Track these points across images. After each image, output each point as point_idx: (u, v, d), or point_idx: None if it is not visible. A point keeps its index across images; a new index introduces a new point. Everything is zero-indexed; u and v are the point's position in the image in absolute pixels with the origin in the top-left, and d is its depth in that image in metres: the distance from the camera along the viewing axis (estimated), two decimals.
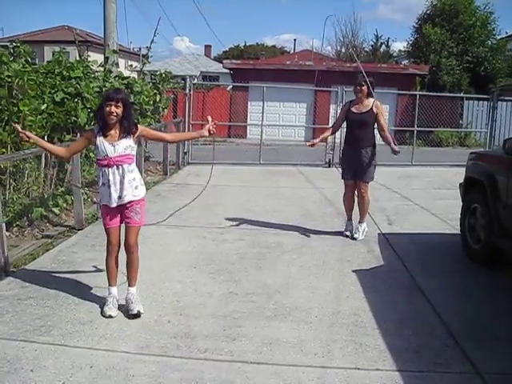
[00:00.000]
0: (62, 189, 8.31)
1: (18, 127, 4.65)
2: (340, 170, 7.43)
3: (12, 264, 5.57)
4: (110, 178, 4.36)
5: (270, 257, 6.14)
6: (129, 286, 4.59)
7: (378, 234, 7.18)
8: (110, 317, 4.38)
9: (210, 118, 4.67)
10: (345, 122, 7.18)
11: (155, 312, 4.51)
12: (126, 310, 4.48)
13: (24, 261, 5.84)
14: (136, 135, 4.45)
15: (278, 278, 5.44)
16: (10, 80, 7.54)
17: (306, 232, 7.23)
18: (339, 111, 7.68)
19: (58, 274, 5.33)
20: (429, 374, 3.64)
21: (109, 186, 4.37)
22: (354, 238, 6.97)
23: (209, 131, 4.58)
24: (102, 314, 4.42)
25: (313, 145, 7.02)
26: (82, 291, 4.89)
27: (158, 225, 6.18)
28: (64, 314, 4.43)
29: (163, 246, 6.44)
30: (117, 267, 4.62)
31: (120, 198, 4.39)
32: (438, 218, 8.22)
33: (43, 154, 7.97)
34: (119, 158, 4.35)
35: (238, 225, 7.53)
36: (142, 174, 9.65)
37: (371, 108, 6.86)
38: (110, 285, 4.59)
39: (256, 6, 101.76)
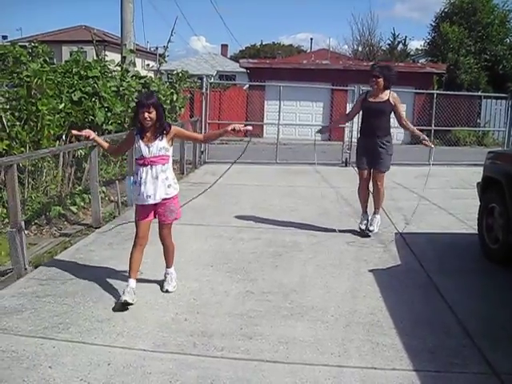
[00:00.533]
0: (80, 187, 8.38)
1: (76, 132, 5.09)
2: (356, 169, 7.39)
3: (31, 262, 5.62)
4: (143, 176, 4.65)
5: (287, 256, 6.14)
6: (166, 266, 5.07)
7: (395, 233, 7.15)
8: (126, 302, 4.49)
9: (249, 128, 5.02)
10: (361, 113, 7.19)
11: (172, 310, 4.54)
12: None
13: (42, 259, 5.91)
14: (169, 137, 4.69)
15: (295, 277, 5.44)
16: (28, 80, 7.64)
17: (322, 231, 7.21)
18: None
19: (75, 272, 5.37)
20: (445, 374, 3.62)
21: (140, 184, 4.66)
22: (370, 231, 6.97)
23: (234, 129, 4.75)
24: (119, 300, 4.58)
25: (320, 132, 7.17)
26: (99, 289, 4.93)
27: (173, 223, 6.20)
28: (82, 311, 4.47)
29: (180, 244, 6.43)
30: (140, 261, 4.80)
31: (150, 196, 4.66)
32: (455, 217, 8.16)
33: (61, 153, 8.04)
34: (153, 158, 4.64)
35: (254, 224, 7.53)
36: None
37: (388, 98, 6.80)
38: (129, 276, 4.73)
39: (272, 5, 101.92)
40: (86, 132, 4.90)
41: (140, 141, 4.65)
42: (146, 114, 4.51)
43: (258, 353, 3.86)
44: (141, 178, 4.66)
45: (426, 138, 6.93)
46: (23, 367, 3.56)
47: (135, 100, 10.21)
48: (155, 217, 4.83)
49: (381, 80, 6.72)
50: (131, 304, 4.51)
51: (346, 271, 5.67)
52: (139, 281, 4.82)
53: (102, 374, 3.50)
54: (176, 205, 4.87)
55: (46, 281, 5.15)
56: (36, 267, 5.57)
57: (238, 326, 4.27)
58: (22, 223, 5.50)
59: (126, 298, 4.50)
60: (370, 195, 7.15)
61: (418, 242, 6.77)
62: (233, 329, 4.23)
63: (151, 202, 4.68)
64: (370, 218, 7.09)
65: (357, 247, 6.55)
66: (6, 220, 6.70)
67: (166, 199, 4.74)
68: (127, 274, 4.77)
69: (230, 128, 4.76)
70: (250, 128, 5.01)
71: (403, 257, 6.19)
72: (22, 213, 6.11)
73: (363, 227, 7.05)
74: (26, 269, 5.38)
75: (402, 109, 7.09)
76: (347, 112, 7.75)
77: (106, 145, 5.12)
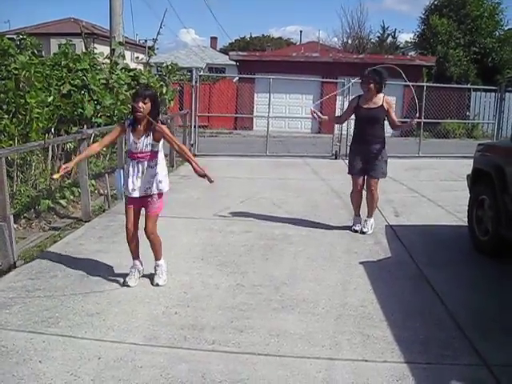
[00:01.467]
0: (69, 181, 8.33)
1: (57, 176, 4.89)
2: (346, 161, 7.38)
3: (20, 256, 5.59)
4: (130, 169, 4.70)
5: (277, 249, 6.14)
6: (155, 259, 5.02)
7: (386, 225, 7.17)
8: (128, 286, 4.81)
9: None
10: (353, 117, 7.02)
11: (163, 303, 4.52)
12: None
13: (32, 253, 5.87)
14: (156, 134, 4.65)
15: (285, 270, 5.44)
16: (16, 72, 7.57)
17: (312, 224, 7.21)
18: (346, 104, 7.52)
19: (65, 266, 5.34)
20: (436, 366, 3.63)
21: (128, 176, 4.72)
22: (364, 233, 6.82)
23: (201, 174, 4.84)
24: (124, 283, 4.86)
25: (315, 114, 7.10)
26: (89, 283, 4.91)
27: (164, 216, 6.17)
28: (72, 305, 4.44)
29: (170, 237, 6.42)
30: (137, 244, 4.98)
31: (135, 190, 4.72)
32: (445, 209, 8.19)
33: (50, 147, 7.99)
34: (140, 154, 4.67)
35: (244, 216, 7.52)
36: None
37: (381, 104, 6.64)
38: (132, 258, 4.99)
39: None
40: (63, 168, 4.66)
41: (130, 134, 4.66)
42: (140, 104, 4.50)
43: (249, 346, 3.85)
44: (128, 172, 4.72)
45: (410, 120, 6.99)
46: (13, 362, 3.53)
47: (124, 93, 10.19)
48: (141, 206, 4.89)
49: (373, 85, 6.58)
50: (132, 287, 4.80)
51: (337, 264, 5.68)
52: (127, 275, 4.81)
53: (92, 368, 3.48)
54: (160, 199, 4.90)
55: (35, 275, 5.11)
56: (25, 261, 5.53)
57: (228, 319, 4.26)
58: (11, 217, 5.46)
59: (129, 282, 4.86)
60: (364, 198, 7.07)
61: (408, 234, 6.80)
62: (224, 322, 4.22)
63: (135, 195, 4.74)
64: (363, 221, 6.99)
65: (347, 240, 6.56)
66: None
67: (153, 194, 4.79)
68: (117, 267, 4.80)
69: (199, 170, 4.83)
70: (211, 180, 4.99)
71: (394, 249, 6.20)
72: (11, 206, 6.07)
73: (357, 229, 6.93)
74: (15, 263, 5.34)
75: (395, 113, 6.98)
76: (338, 114, 7.58)
77: (88, 153, 5.27)
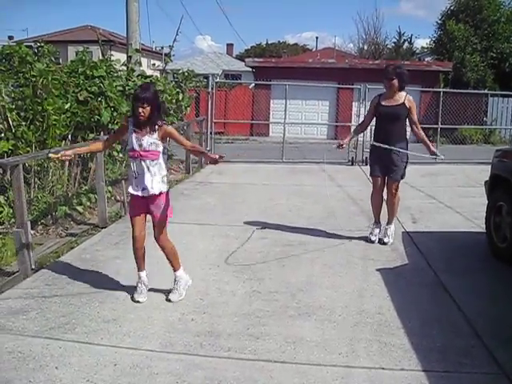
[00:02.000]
0: (86, 187, 8.38)
1: (53, 156, 4.98)
2: (362, 167, 7.30)
3: (37, 262, 5.62)
4: (135, 169, 4.61)
5: (293, 255, 6.11)
6: (173, 271, 4.87)
7: (403, 232, 7.11)
8: (138, 302, 4.64)
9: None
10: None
11: (179, 310, 4.52)
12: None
13: (48, 259, 5.90)
14: (161, 134, 4.57)
15: (302, 277, 5.41)
16: (34, 79, 7.63)
17: (329, 230, 7.17)
18: (368, 106, 7.03)
19: (81, 272, 5.36)
20: (454, 375, 3.59)
21: (133, 177, 4.64)
22: (384, 243, 6.57)
23: (215, 160, 4.60)
24: (132, 299, 4.70)
25: (341, 146, 6.66)
26: (105, 289, 4.92)
27: (180, 223, 6.19)
28: (88, 311, 4.45)
29: (186, 243, 6.43)
30: (143, 254, 4.81)
31: (142, 189, 4.60)
32: (462, 216, 8.11)
33: None
34: (143, 152, 4.53)
35: (261, 223, 7.49)
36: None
37: (403, 102, 6.38)
38: (138, 270, 4.83)
39: (278, 4, 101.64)
40: (62, 155, 4.85)
41: (133, 133, 4.56)
42: (140, 109, 4.42)
43: (266, 353, 3.84)
44: (134, 171, 4.63)
45: (435, 150, 6.61)
46: (30, 368, 3.55)
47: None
48: (147, 213, 4.73)
49: (395, 81, 6.31)
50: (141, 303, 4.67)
51: (354, 270, 5.64)
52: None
53: (108, 375, 3.49)
54: (165, 202, 4.70)
55: (52, 281, 5.14)
56: (42, 267, 5.56)
57: (244, 326, 4.25)
58: (28, 223, 5.50)
59: (138, 298, 4.71)
60: (384, 203, 6.81)
61: (425, 240, 6.74)
62: (240, 329, 4.21)
63: (142, 194, 4.60)
64: (383, 229, 6.72)
65: (364, 246, 6.52)
66: (13, 220, 6.71)
67: (154, 195, 4.61)
68: (133, 274, 4.78)
69: (212, 156, 4.67)
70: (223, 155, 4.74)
71: (411, 256, 6.15)
72: (29, 213, 6.11)
73: (374, 238, 6.65)
74: (32, 269, 5.37)
75: (416, 114, 6.59)
76: (354, 123, 7.27)
77: (90, 148, 5.29)
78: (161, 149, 4.64)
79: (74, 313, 4.41)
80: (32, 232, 6.02)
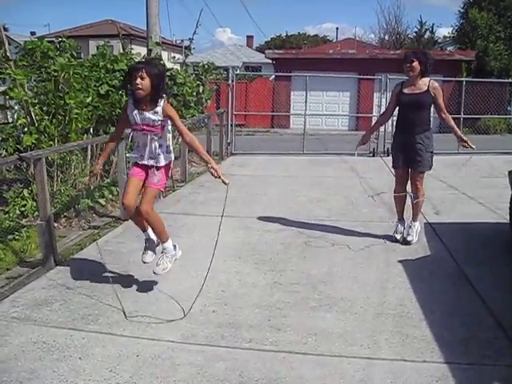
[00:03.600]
0: (108, 180, 8.44)
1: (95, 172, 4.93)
2: (384, 158, 7.19)
3: (60, 254, 5.68)
4: (138, 140, 4.51)
5: (315, 247, 6.10)
6: (160, 243, 4.70)
7: (425, 223, 7.05)
8: (145, 262, 4.64)
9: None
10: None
11: (200, 301, 4.52)
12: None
13: (72, 251, 5.96)
14: (164, 113, 4.32)
15: (323, 268, 5.40)
16: (56, 74, 7.70)
17: (350, 222, 7.15)
18: (384, 101, 6.80)
19: (104, 264, 5.40)
20: (477, 367, 3.55)
21: (137, 146, 4.54)
22: (408, 242, 6.19)
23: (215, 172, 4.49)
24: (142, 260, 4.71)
25: (364, 143, 6.56)
26: (127, 281, 4.96)
27: (201, 215, 6.21)
28: (110, 303, 4.49)
29: (208, 235, 6.44)
30: (139, 216, 4.57)
31: (143, 157, 4.47)
32: (485, 207, 8.02)
33: (89, 146, 8.11)
34: (145, 126, 4.35)
35: (282, 215, 7.49)
36: (186, 165, 9.78)
37: (427, 88, 5.95)
38: (142, 231, 4.80)
39: None
40: (92, 175, 4.97)
41: (134, 109, 4.35)
42: (138, 80, 4.14)
43: (287, 344, 3.84)
44: (137, 142, 4.54)
45: (466, 139, 6.18)
46: (54, 358, 3.59)
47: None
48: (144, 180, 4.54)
49: (416, 64, 5.87)
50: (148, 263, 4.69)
51: (375, 262, 5.62)
52: (167, 273, 4.80)
53: (130, 366, 3.52)
54: (162, 173, 4.51)
55: (75, 273, 5.20)
56: (65, 259, 5.63)
57: (266, 318, 4.26)
58: (52, 216, 5.56)
59: (145, 259, 4.70)
60: (408, 199, 6.43)
61: (447, 232, 6.68)
62: (261, 320, 4.22)
63: (142, 161, 4.47)
64: (407, 227, 6.36)
65: (386, 237, 6.47)
66: (36, 213, 6.79)
67: (153, 166, 4.46)
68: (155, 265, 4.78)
69: (214, 166, 4.49)
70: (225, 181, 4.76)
71: (433, 247, 6.10)
72: (52, 206, 6.17)
73: (398, 237, 6.31)
74: (55, 261, 5.43)
75: (441, 100, 6.10)
76: (382, 112, 6.75)
77: (109, 149, 4.94)
78: (166, 124, 4.44)
79: (96, 304, 4.46)
80: (55, 225, 6.09)
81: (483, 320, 4.23)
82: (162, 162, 4.48)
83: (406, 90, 6.08)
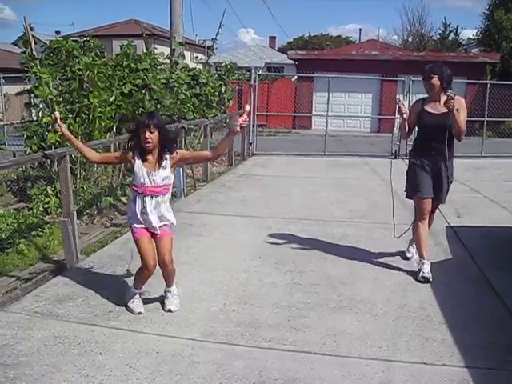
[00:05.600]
0: (130, 178, 8.50)
1: (57, 116, 4.58)
2: (406, 160, 6.91)
3: (82, 251, 5.75)
4: (142, 205, 4.21)
5: (335, 248, 6.09)
6: (166, 286, 4.47)
7: (446, 226, 7.00)
8: (140, 313, 4.30)
9: (247, 108, 4.40)
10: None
11: (220, 301, 4.56)
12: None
13: (93, 248, 6.02)
14: (173, 162, 4.25)
15: (343, 270, 5.39)
16: (80, 73, 7.78)
17: (371, 224, 7.12)
18: (409, 108, 5.57)
19: (125, 261, 5.45)
20: (498, 372, 3.53)
21: (139, 213, 4.22)
22: (425, 280, 5.11)
23: (240, 126, 4.11)
24: (132, 311, 4.35)
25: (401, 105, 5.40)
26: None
27: (223, 214, 6.23)
28: None
29: (229, 235, 6.49)
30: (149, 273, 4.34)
31: (152, 226, 4.24)
32: (508, 211, 7.94)
33: (112, 145, 8.17)
34: (156, 188, 4.21)
35: (302, 215, 7.49)
36: (207, 164, 9.83)
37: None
38: (135, 288, 4.44)
39: None
40: (59, 128, 4.46)
41: (141, 165, 4.20)
42: (147, 134, 4.07)
43: (306, 345, 3.84)
44: (144, 207, 4.20)
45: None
46: (75, 353, 3.64)
47: (184, 92, 10.31)
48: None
49: (435, 79, 5.08)
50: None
51: (396, 264, 5.59)
52: (188, 272, 4.85)
53: (150, 362, 3.55)
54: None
55: (96, 269, 5.27)
56: (87, 256, 5.69)
57: (285, 318, 4.27)
58: (75, 213, 5.62)
59: (139, 310, 4.34)
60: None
61: (469, 235, 6.62)
62: (280, 320, 4.22)
63: (152, 230, 4.27)
64: (421, 265, 5.26)
65: (407, 240, 6.43)
66: (59, 210, 6.87)
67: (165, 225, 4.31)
68: (176, 264, 4.78)
69: (238, 129, 4.09)
70: (247, 108, 4.35)
71: (454, 250, 6.06)
72: (74, 203, 6.24)
73: (423, 277, 5.13)
74: (78, 257, 5.50)
75: (463, 116, 5.16)
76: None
77: (85, 149, 4.57)
78: (171, 181, 4.34)
79: (117, 301, 4.49)
80: (78, 222, 6.15)
81: (505, 325, 4.20)
82: (173, 220, 4.36)
83: (429, 109, 5.22)
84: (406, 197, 5.66)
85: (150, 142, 4.10)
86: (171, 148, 4.24)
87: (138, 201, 4.22)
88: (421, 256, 5.32)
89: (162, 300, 4.51)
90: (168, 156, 4.21)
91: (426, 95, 5.35)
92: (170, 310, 4.37)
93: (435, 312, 4.42)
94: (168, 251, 4.25)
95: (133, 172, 4.29)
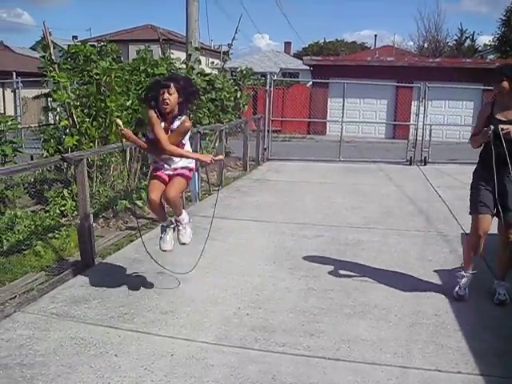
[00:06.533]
0: (146, 182, 8.55)
1: (120, 122, 4.69)
2: (421, 167, 6.94)
3: (98, 253, 5.79)
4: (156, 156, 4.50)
5: (349, 254, 6.08)
6: (176, 215, 4.72)
7: (462, 233, 6.96)
8: (164, 250, 4.68)
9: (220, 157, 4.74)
10: None
11: (234, 305, 4.57)
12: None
13: (109, 251, 6.07)
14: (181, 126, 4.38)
15: (357, 276, 5.39)
16: (98, 77, 7.85)
17: (386, 230, 7.11)
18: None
19: (141, 264, 5.50)
20: None
21: (154, 161, 4.54)
22: (501, 301, 4.73)
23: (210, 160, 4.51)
24: (160, 248, 4.75)
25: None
26: (164, 281, 5.03)
27: (238, 219, 6.24)
28: (146, 303, 4.57)
29: (243, 239, 6.52)
30: (162, 209, 4.69)
31: (168, 167, 4.48)
32: None
33: (128, 149, 8.23)
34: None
35: (317, 221, 7.49)
36: (222, 169, 9.86)
37: None
38: (161, 220, 4.82)
39: (336, 3, 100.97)
40: (124, 131, 4.67)
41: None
42: (166, 95, 4.23)
43: (320, 350, 3.85)
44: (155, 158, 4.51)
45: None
46: (91, 354, 3.68)
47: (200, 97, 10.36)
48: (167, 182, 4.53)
49: (506, 82, 4.58)
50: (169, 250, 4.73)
51: (410, 271, 5.57)
52: (203, 276, 4.88)
53: (165, 365, 3.57)
54: (188, 172, 4.58)
55: (112, 272, 5.31)
56: (103, 259, 5.74)
57: (299, 323, 4.27)
58: (91, 216, 5.67)
59: (164, 247, 4.72)
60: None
61: (486, 243, 6.56)
62: (294, 325, 4.23)
63: (167, 172, 4.50)
64: (496, 287, 4.88)
65: (421, 247, 6.42)
66: (75, 212, 6.93)
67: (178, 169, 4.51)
68: (191, 267, 4.86)
69: (206, 159, 4.57)
70: (221, 157, 4.77)
71: None
72: (90, 206, 6.30)
73: (503, 298, 4.74)
74: (93, 260, 5.54)
75: None
76: (472, 133, 4.98)
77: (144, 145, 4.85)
78: (184, 142, 4.49)
79: (132, 303, 4.54)
80: (93, 224, 6.20)
81: None
82: (187, 164, 4.53)
83: (499, 116, 4.68)
84: (470, 213, 4.95)
85: (167, 104, 4.23)
86: (183, 113, 4.39)
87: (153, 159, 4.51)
88: (466, 266, 4.97)
89: (178, 302, 4.55)
90: (182, 118, 4.36)
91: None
92: (183, 244, 4.69)
93: (450, 319, 4.40)
94: (172, 188, 4.43)
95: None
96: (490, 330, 4.20)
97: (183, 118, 4.42)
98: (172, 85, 4.26)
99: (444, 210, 8.24)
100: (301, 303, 4.66)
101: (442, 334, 4.14)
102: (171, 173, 4.51)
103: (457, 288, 4.87)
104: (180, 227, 4.72)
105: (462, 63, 22.21)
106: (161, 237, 4.76)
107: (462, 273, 4.93)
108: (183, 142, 4.48)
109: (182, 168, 4.52)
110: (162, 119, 4.36)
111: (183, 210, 4.80)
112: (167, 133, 4.35)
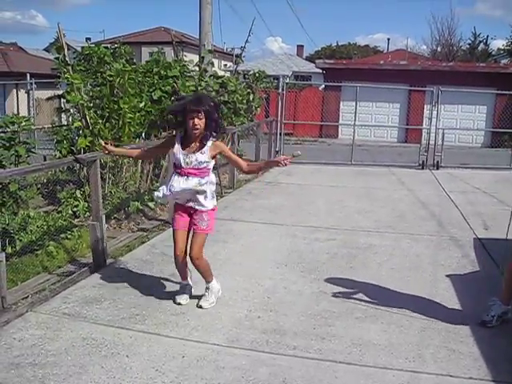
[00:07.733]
0: (158, 184, 8.58)
1: (102, 143, 4.73)
2: (433, 171, 6.91)
3: (110, 254, 5.81)
4: (181, 184, 4.27)
5: (361, 258, 6.07)
6: (206, 282, 4.64)
7: (474, 238, 6.93)
8: (179, 304, 4.56)
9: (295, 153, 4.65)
10: None
11: (246, 307, 4.57)
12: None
13: (121, 252, 6.10)
14: (212, 152, 4.31)
15: (369, 280, 5.36)
16: (111, 79, 7.89)
17: (398, 234, 7.08)
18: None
19: (152, 266, 5.52)
20: None
21: (178, 192, 4.30)
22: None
23: (283, 161, 4.42)
24: (174, 301, 4.62)
25: None
26: (174, 283, 5.02)
27: (249, 222, 6.25)
28: (157, 304, 4.58)
29: (255, 242, 6.52)
30: (186, 266, 4.62)
31: (189, 202, 4.37)
32: None
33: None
34: (192, 170, 4.26)
35: (328, 224, 7.48)
36: (234, 171, 9.87)
37: None
38: (181, 278, 4.77)
39: (349, 6, 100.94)
40: (104, 148, 4.59)
41: (180, 150, 4.28)
42: (196, 120, 4.14)
43: (331, 353, 3.84)
44: (179, 187, 4.27)
45: None
46: (102, 355, 3.69)
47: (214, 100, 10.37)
48: (190, 228, 4.45)
49: None
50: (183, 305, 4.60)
51: (422, 275, 5.55)
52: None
53: (176, 366, 3.58)
54: (210, 217, 4.41)
55: (124, 273, 5.32)
56: (115, 260, 5.76)
57: (311, 326, 4.26)
58: (103, 217, 5.69)
59: (180, 300, 4.61)
60: None
61: (497, 248, 6.52)
62: (306, 328, 4.22)
63: (186, 204, 4.38)
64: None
65: (434, 251, 6.39)
66: (87, 214, 6.97)
67: (201, 211, 4.36)
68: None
69: (279, 162, 4.45)
70: (298, 153, 4.66)
71: (482, 263, 6.00)
72: (103, 207, 6.32)
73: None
74: (105, 261, 5.56)
75: None
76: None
77: (133, 153, 4.99)
78: (211, 165, 4.36)
79: (144, 304, 4.55)
80: (106, 226, 6.23)
81: None
82: (210, 206, 4.40)
83: None
84: None
85: (197, 129, 4.17)
86: (214, 133, 4.31)
87: (177, 177, 4.29)
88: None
89: (189, 304, 4.57)
90: (210, 143, 4.27)
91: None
92: (200, 307, 4.52)
93: (462, 324, 4.37)
94: (197, 248, 4.37)
95: (173, 153, 4.34)
96: (501, 336, 4.17)
97: (214, 141, 4.34)
98: (201, 110, 4.16)
99: (456, 215, 8.20)
100: (312, 306, 4.65)
101: (453, 339, 4.12)
102: (194, 206, 4.38)
103: (488, 318, 4.36)
104: (206, 293, 4.62)
105: (475, 67, 22.11)
106: (178, 294, 4.71)
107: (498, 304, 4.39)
108: (210, 165, 4.36)
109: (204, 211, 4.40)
110: (185, 140, 4.31)
111: (214, 279, 4.65)
112: (197, 151, 4.27)
